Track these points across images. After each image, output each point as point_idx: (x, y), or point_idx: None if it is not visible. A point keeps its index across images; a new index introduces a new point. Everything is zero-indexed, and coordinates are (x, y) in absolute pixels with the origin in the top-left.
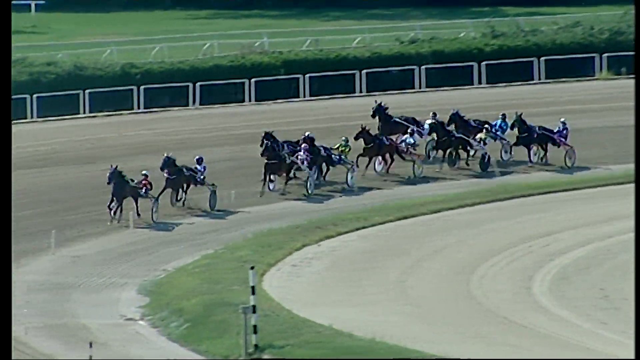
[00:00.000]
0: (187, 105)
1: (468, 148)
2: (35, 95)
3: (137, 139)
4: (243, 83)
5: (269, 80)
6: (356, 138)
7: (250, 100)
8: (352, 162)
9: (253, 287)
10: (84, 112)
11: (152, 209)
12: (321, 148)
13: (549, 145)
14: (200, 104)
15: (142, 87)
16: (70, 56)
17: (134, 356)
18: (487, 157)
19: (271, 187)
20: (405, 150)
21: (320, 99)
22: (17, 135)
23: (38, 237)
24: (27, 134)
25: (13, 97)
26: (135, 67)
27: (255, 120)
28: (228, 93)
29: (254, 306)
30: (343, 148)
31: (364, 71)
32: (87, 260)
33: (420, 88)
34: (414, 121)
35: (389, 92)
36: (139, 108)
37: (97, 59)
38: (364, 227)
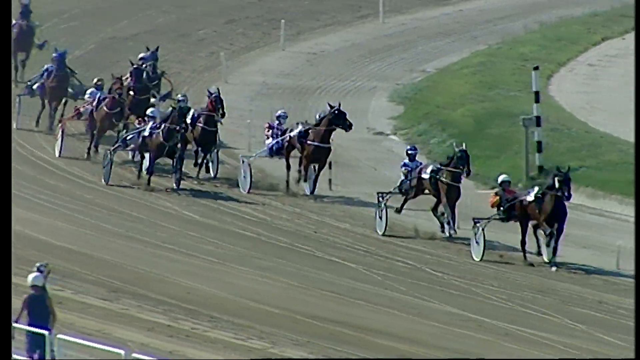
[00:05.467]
0: None
1: None
2: None
3: None
4: None
5: None
6: None
7: None
8: None
9: (537, 93)
10: None
11: None
12: None
13: None
14: None
15: None
16: None
17: (384, 179)
18: None
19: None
20: None
21: None
22: None
23: (263, 27)
24: None
25: None
26: None
27: None
28: None
29: (537, 117)
30: None
31: None
32: (326, 58)
33: None
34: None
35: None
36: None
37: None
38: None
